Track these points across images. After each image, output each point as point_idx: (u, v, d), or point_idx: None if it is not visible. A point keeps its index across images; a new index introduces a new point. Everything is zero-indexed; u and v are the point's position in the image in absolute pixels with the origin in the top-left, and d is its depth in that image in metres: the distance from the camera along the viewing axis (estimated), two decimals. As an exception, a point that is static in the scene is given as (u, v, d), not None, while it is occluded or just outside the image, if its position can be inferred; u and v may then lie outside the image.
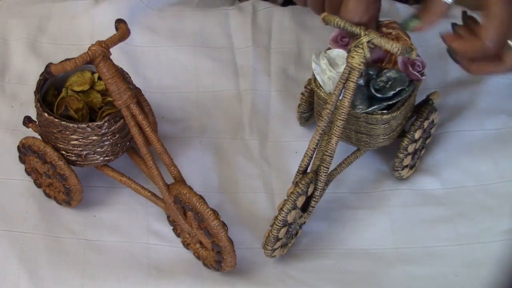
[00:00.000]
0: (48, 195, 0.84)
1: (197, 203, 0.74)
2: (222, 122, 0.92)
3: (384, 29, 0.80)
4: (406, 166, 0.85)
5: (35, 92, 0.79)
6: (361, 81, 0.78)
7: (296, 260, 0.81)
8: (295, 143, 0.90)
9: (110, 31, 0.74)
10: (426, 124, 0.83)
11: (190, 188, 0.76)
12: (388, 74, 0.78)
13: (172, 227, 0.82)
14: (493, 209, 0.84)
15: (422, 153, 0.88)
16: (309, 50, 0.99)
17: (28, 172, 0.84)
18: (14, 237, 0.80)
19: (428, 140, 0.88)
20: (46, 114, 0.77)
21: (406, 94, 0.78)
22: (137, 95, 0.79)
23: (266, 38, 1.00)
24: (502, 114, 0.91)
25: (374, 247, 0.82)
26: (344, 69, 0.73)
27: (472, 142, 0.89)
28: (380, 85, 0.78)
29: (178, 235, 0.82)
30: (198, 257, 0.80)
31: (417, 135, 0.82)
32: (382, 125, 0.79)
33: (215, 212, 0.74)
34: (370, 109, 0.77)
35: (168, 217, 0.81)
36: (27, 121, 0.83)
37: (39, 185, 0.84)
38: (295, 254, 0.81)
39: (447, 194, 0.86)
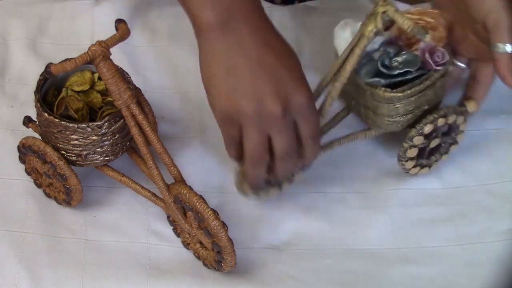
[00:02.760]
0: (48, 195, 0.84)
1: (197, 203, 0.74)
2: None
3: (426, 18, 0.80)
4: (412, 159, 0.83)
5: (35, 92, 0.79)
6: (376, 56, 0.78)
7: (296, 260, 0.81)
8: (295, 143, 0.90)
9: (110, 31, 0.74)
10: (440, 122, 0.81)
11: (190, 188, 0.76)
12: (405, 56, 0.78)
13: (172, 227, 0.82)
14: (493, 209, 0.84)
15: (442, 157, 0.86)
16: (309, 50, 0.99)
17: (28, 172, 0.84)
18: (14, 237, 0.80)
19: (453, 147, 0.86)
20: (46, 114, 0.77)
21: (411, 76, 0.77)
22: (137, 95, 0.79)
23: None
24: (502, 114, 0.91)
25: (374, 247, 0.82)
26: (355, 35, 0.74)
27: (472, 142, 0.89)
28: (394, 64, 0.78)
29: (178, 235, 0.82)
30: (198, 257, 0.80)
31: (426, 129, 0.81)
32: (386, 104, 0.79)
33: (215, 212, 0.74)
34: (370, 80, 0.77)
35: (168, 217, 0.81)
36: (27, 121, 0.83)
37: (39, 185, 0.84)
38: (295, 254, 0.81)
39: (447, 194, 0.86)
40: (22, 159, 0.83)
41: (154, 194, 0.80)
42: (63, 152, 0.79)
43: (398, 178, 0.86)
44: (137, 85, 0.82)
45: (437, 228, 0.83)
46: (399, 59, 0.79)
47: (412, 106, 0.80)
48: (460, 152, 0.88)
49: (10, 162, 0.85)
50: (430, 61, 0.78)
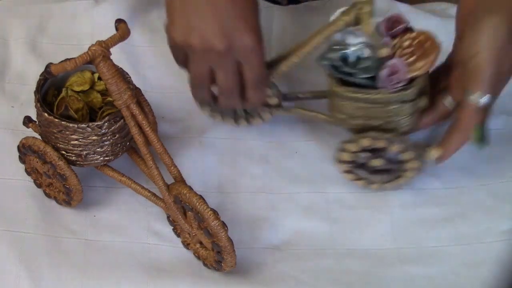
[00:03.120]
0: (48, 195, 0.84)
1: (197, 203, 0.74)
2: (222, 122, 0.92)
3: (427, 44, 0.78)
4: (345, 163, 0.83)
5: (35, 92, 0.79)
6: (350, 49, 0.78)
7: (296, 260, 0.81)
8: (295, 143, 0.90)
9: (110, 31, 0.74)
10: (380, 143, 0.80)
11: (190, 188, 0.76)
12: (370, 63, 0.77)
13: (172, 227, 0.82)
14: (493, 209, 0.84)
15: (387, 183, 0.84)
16: (309, 50, 0.99)
17: (28, 172, 0.84)
18: (14, 237, 0.80)
19: (400, 180, 0.84)
20: (46, 114, 0.77)
21: (348, 78, 0.77)
22: (137, 95, 0.79)
23: (266, 38, 1.00)
24: (502, 114, 0.91)
25: (374, 247, 0.82)
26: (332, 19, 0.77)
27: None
28: (360, 66, 0.78)
29: (178, 235, 0.82)
30: (198, 257, 0.80)
31: (362, 141, 0.80)
32: (335, 97, 0.79)
33: (215, 212, 0.74)
34: (325, 63, 0.78)
35: (168, 217, 0.81)
36: (27, 121, 0.83)
37: (39, 185, 0.84)
38: (295, 254, 0.81)
39: (447, 194, 0.86)
40: (22, 159, 0.83)
41: (154, 194, 0.80)
42: (63, 152, 0.79)
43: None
44: (137, 85, 0.82)
45: (437, 228, 0.83)
46: (368, 62, 0.77)
47: (359, 114, 0.80)
48: (460, 152, 0.88)
49: (10, 162, 0.85)
50: (382, 78, 0.77)
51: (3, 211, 0.82)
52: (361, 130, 0.81)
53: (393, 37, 0.79)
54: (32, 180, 0.84)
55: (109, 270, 0.78)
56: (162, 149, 0.77)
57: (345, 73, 0.78)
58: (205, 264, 0.79)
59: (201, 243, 0.79)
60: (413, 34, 0.79)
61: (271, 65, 0.82)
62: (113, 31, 0.74)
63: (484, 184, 0.86)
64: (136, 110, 0.75)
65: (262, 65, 0.78)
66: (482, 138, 0.77)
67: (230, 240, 0.75)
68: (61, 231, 0.81)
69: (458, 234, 0.82)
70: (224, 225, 0.75)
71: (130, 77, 0.82)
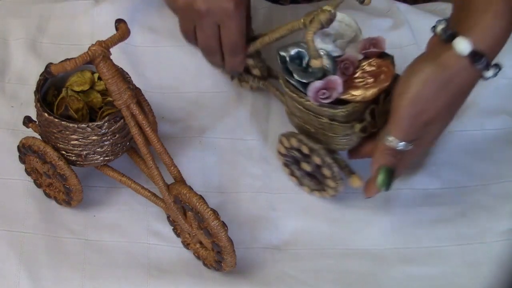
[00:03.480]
0: (48, 195, 0.84)
1: (197, 203, 0.74)
2: (222, 122, 0.92)
3: (382, 76, 0.77)
4: (280, 156, 0.85)
5: (35, 92, 0.79)
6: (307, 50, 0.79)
7: (296, 260, 0.81)
8: (295, 143, 0.90)
9: (110, 31, 0.74)
10: (305, 150, 0.80)
11: (190, 188, 0.76)
12: (318, 71, 0.77)
13: (172, 227, 0.82)
14: (493, 209, 0.84)
15: (314, 192, 0.85)
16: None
17: (28, 172, 0.84)
18: (14, 237, 0.80)
19: (324, 193, 0.84)
20: (46, 114, 0.77)
21: (285, 75, 0.79)
22: (137, 95, 0.79)
23: (266, 37, 1.00)
24: (502, 114, 0.91)
25: (374, 247, 0.82)
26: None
27: (472, 142, 0.89)
28: (309, 69, 0.78)
29: (178, 235, 0.82)
30: (198, 257, 0.80)
31: (292, 141, 0.81)
32: (285, 95, 0.81)
33: (215, 212, 0.74)
34: (279, 50, 0.80)
35: (168, 217, 0.81)
36: (27, 121, 0.83)
37: (39, 185, 0.84)
38: (295, 254, 0.81)
39: (447, 194, 0.86)
40: (22, 159, 0.83)
41: (154, 194, 0.80)
42: (63, 152, 0.79)
43: (398, 178, 0.86)
44: (137, 85, 0.82)
45: (437, 228, 0.83)
46: (316, 68, 0.77)
47: (297, 113, 0.80)
48: (460, 152, 0.88)
49: (10, 162, 0.85)
50: (311, 88, 0.76)
51: (3, 211, 0.82)
52: (300, 130, 0.82)
53: (366, 57, 0.79)
54: (32, 180, 0.84)
55: (109, 270, 0.78)
56: (162, 149, 0.77)
57: (286, 69, 0.79)
58: (205, 264, 0.79)
59: (201, 243, 0.79)
60: (383, 62, 0.78)
61: (252, 40, 0.86)
62: (113, 31, 0.74)
63: (484, 184, 0.86)
64: (136, 110, 0.75)
65: (239, 33, 0.83)
66: (384, 182, 0.75)
67: (230, 240, 0.75)
68: (61, 231, 0.81)
69: (458, 234, 0.82)
70: (224, 225, 0.75)
71: (130, 77, 0.82)
